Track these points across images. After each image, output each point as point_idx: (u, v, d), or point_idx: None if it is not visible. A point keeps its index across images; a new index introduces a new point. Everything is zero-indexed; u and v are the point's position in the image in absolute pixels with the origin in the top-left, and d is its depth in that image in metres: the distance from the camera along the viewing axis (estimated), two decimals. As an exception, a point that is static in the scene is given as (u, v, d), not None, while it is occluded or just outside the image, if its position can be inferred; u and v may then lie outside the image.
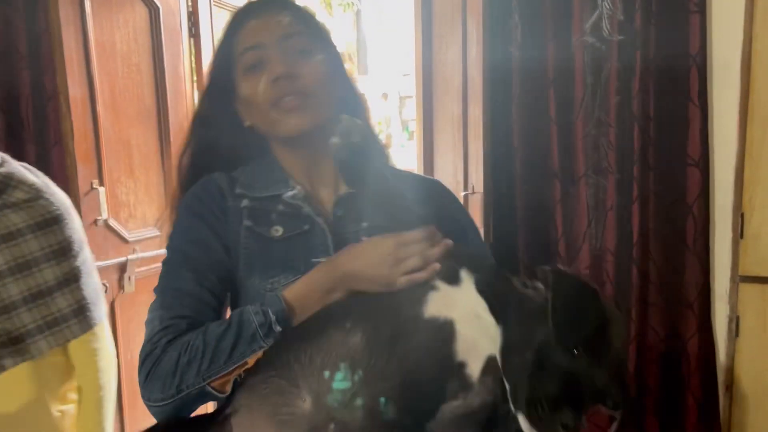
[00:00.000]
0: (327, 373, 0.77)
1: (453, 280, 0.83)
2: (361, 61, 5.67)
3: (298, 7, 1.03)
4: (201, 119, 1.07)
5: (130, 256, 2.31)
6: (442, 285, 0.83)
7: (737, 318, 2.09)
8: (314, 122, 0.97)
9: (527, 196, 2.15)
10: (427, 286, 0.83)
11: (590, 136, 2.07)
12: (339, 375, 0.77)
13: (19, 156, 2.10)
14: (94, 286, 1.37)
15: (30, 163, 2.13)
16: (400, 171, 1.12)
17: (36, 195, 1.26)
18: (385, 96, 5.58)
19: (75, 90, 2.06)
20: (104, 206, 2.20)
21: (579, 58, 2.06)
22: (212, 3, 2.72)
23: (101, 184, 2.19)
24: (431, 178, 1.17)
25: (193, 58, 2.69)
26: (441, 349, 0.77)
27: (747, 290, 2.09)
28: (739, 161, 2.02)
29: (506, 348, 0.75)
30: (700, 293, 2.03)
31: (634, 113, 1.98)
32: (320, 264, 0.90)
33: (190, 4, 2.59)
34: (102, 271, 2.18)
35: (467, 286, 0.82)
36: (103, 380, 1.37)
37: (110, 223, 2.23)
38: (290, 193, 0.99)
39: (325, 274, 0.88)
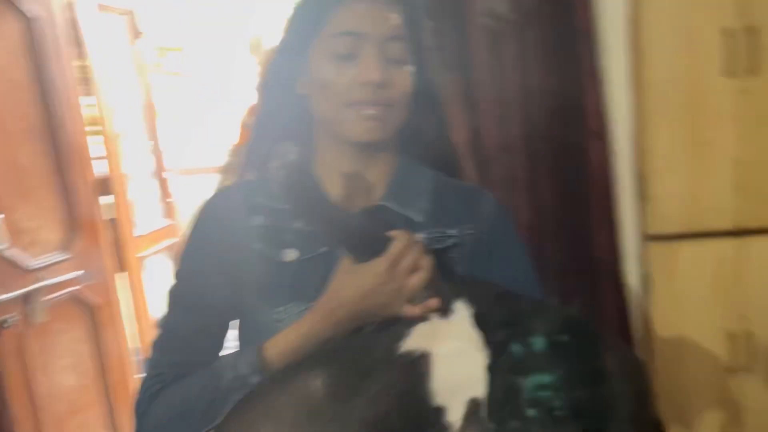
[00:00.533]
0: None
1: (444, 310, 0.77)
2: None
3: (413, 6, 0.92)
4: (265, 84, 0.99)
5: (35, 285, 2.17)
6: (431, 314, 0.78)
7: (647, 276, 2.21)
8: (386, 134, 0.92)
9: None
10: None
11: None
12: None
13: None
14: None
15: None
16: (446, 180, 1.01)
17: None
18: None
19: (-50, 114, 1.90)
20: (3, 235, 2.05)
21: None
22: (98, 7, 2.57)
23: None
24: (474, 187, 1.03)
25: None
26: (414, 390, 0.69)
27: (653, 248, 2.21)
28: (636, 127, 2.12)
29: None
30: (611, 258, 2.13)
31: (532, 88, 2.03)
32: (311, 312, 0.83)
33: (69, 12, 2.43)
34: (6, 305, 2.06)
35: (460, 319, 0.75)
36: None
37: (6, 255, 2.08)
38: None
39: (319, 324, 0.82)
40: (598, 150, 2.06)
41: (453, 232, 0.93)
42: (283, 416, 0.70)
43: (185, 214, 3.35)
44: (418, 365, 0.71)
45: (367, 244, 0.81)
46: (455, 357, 0.72)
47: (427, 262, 0.81)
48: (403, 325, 0.78)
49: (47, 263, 2.25)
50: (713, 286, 2.21)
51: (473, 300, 0.77)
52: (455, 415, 0.67)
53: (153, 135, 3.09)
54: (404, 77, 0.90)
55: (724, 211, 2.15)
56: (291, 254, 0.89)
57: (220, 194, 0.98)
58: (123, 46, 2.96)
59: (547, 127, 2.05)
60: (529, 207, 2.13)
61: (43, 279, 2.20)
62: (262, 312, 0.89)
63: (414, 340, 0.75)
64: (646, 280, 2.21)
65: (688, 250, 2.19)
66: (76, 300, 2.39)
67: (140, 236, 2.78)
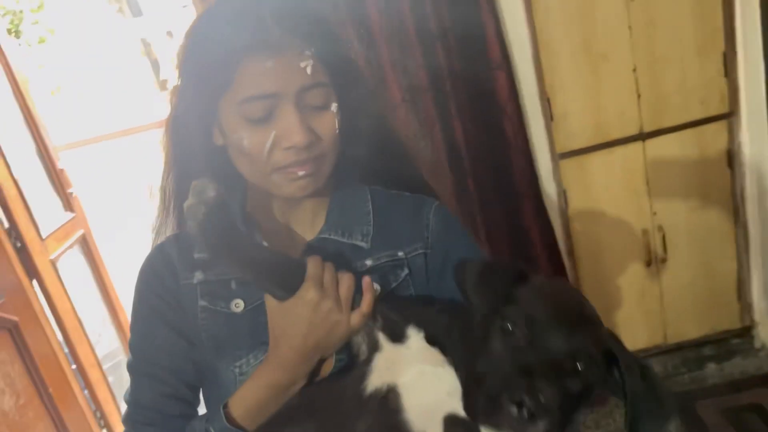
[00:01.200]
0: None
1: (398, 337, 0.77)
2: (132, 2, 5.10)
3: (324, 37, 0.80)
4: (176, 140, 0.88)
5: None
6: (386, 344, 0.77)
7: (564, 192, 2.30)
8: (319, 184, 0.84)
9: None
10: (371, 348, 0.77)
11: (398, 62, 2.06)
12: None
13: None
14: None
15: None
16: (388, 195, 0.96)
17: None
18: (170, 34, 5.14)
19: None
20: None
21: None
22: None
23: None
24: (415, 198, 0.95)
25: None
26: (393, 425, 0.70)
27: (566, 165, 2.28)
28: (534, 52, 2.13)
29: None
30: (529, 182, 2.19)
31: (433, 31, 1.99)
32: (263, 363, 0.80)
33: None
34: None
35: (415, 342, 0.76)
36: None
37: None
38: None
39: (276, 373, 0.78)
40: (503, 80, 2.07)
41: (401, 254, 0.89)
42: None
43: (83, 192, 3.15)
44: (388, 401, 0.72)
45: (289, 277, 0.78)
46: (420, 381, 0.73)
47: (347, 274, 0.80)
48: (362, 363, 0.77)
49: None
50: (625, 190, 2.33)
51: (422, 321, 0.78)
52: None
53: (33, 123, 2.83)
54: (329, 120, 0.81)
55: (627, 119, 2.24)
56: (238, 305, 0.85)
57: (155, 254, 0.91)
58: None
59: (452, 66, 2.03)
60: (446, 145, 2.13)
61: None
62: (223, 369, 0.85)
63: (377, 376, 0.74)
64: (563, 196, 2.30)
65: (597, 161, 2.29)
66: (-8, 322, 2.24)
67: (47, 238, 2.60)
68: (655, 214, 2.35)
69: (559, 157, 2.27)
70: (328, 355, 0.80)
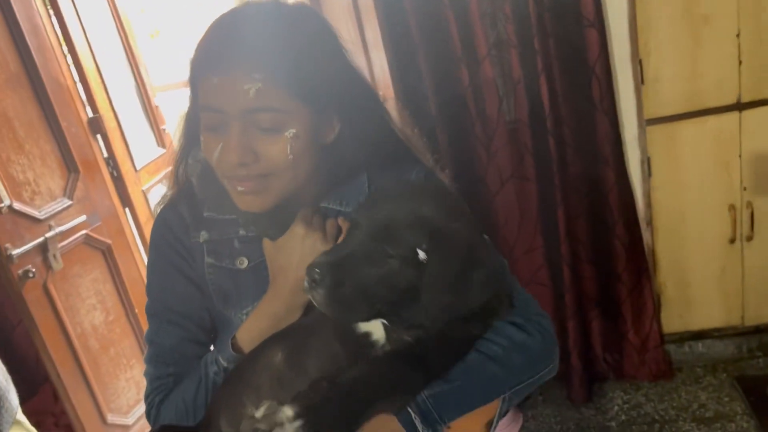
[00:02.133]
0: (259, 408, 0.78)
1: None
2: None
3: (278, 61, 0.80)
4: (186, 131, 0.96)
5: (47, 235, 2.20)
6: None
7: (648, 159, 2.23)
8: (275, 202, 0.87)
9: (437, 85, 2.13)
10: None
11: (487, 15, 2.04)
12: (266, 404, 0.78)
13: None
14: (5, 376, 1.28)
15: None
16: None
17: None
18: None
19: (-74, 75, 1.84)
20: (3, 192, 2.05)
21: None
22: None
23: (-9, 170, 2.03)
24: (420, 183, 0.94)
25: (48, 8, 2.41)
26: (345, 329, 0.81)
27: (653, 132, 2.21)
28: (630, 11, 2.04)
29: None
30: (612, 146, 2.13)
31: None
32: (265, 295, 0.89)
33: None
34: (24, 257, 2.10)
35: None
36: None
37: (15, 207, 2.09)
38: None
39: (275, 302, 0.88)
40: (594, 38, 2.00)
41: None
42: (255, 383, 0.82)
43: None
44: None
45: (281, 222, 0.88)
46: None
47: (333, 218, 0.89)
48: None
49: (54, 211, 2.26)
50: (714, 162, 2.23)
51: None
52: (378, 335, 0.80)
53: (134, 61, 2.99)
54: (277, 144, 0.82)
55: (725, 87, 2.13)
56: (242, 262, 0.93)
57: (168, 211, 0.98)
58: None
59: (542, 21, 1.98)
60: (529, 103, 2.11)
61: (53, 227, 2.23)
62: (232, 316, 0.94)
63: None
64: (647, 164, 2.23)
65: (688, 129, 2.19)
66: (89, 243, 2.43)
67: (140, 170, 2.77)
68: (745, 189, 2.25)
69: (646, 123, 2.19)
70: None
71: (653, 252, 2.32)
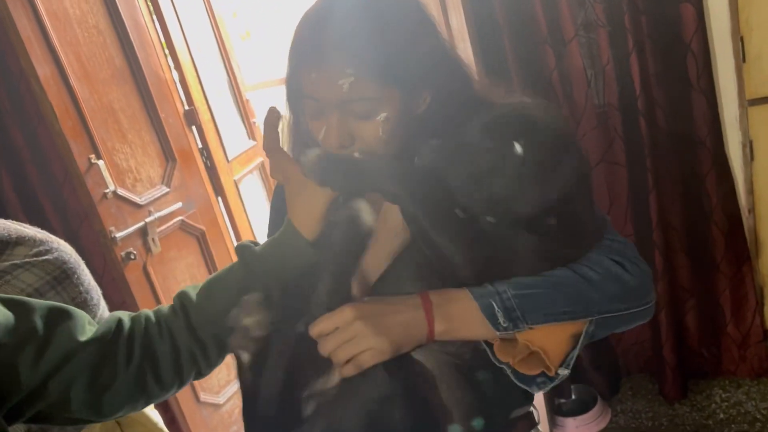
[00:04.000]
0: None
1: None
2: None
3: (368, 52, 0.83)
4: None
5: (147, 219, 2.33)
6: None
7: (750, 142, 2.10)
8: None
9: (521, 69, 2.10)
10: None
11: (574, -7, 1.99)
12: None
13: (7, 142, 2.11)
14: None
15: (19, 147, 2.15)
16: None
17: (43, 249, 1.16)
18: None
19: (42, 68, 2.00)
20: (108, 178, 2.19)
21: None
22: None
23: (99, 157, 2.18)
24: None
25: (150, 7, 2.56)
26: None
27: (756, 113, 2.08)
28: (731, -17, 1.94)
29: None
30: (710, 128, 2.03)
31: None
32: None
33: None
34: (126, 240, 2.24)
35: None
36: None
37: (119, 193, 2.24)
38: None
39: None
40: (690, 14, 1.91)
41: None
42: None
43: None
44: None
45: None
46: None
47: None
48: None
49: (153, 198, 2.40)
50: (824, 145, 2.08)
51: None
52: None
53: (227, 59, 3.12)
54: (373, 129, 0.86)
55: (836, 63, 1.98)
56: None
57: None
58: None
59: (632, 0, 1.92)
60: (619, 84, 2.04)
61: (152, 213, 2.36)
62: None
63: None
64: (749, 147, 2.10)
65: (795, 109, 2.05)
66: (184, 228, 2.55)
67: (232, 160, 2.89)
68: None
69: (748, 103, 2.06)
70: None
71: (755, 241, 2.18)
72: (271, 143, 0.92)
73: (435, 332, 0.79)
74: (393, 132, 0.87)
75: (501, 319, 0.78)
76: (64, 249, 1.20)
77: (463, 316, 0.79)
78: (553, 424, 2.20)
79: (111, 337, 0.82)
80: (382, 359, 0.78)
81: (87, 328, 0.81)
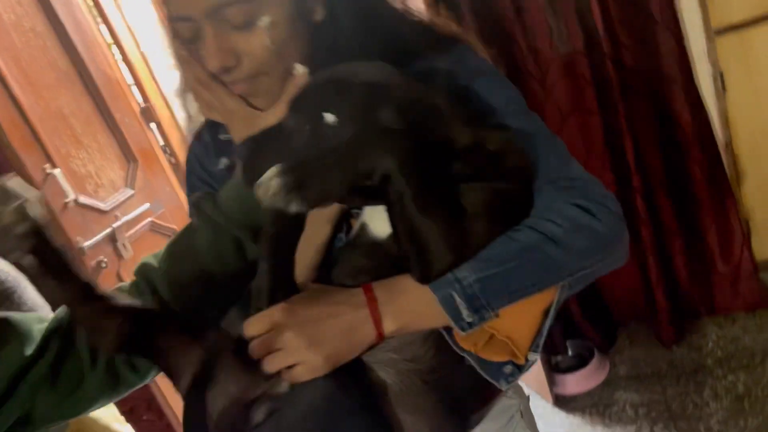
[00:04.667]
0: None
1: None
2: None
3: None
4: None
5: (114, 225, 2.25)
6: None
7: (721, 74, 2.05)
8: (267, 103, 0.79)
9: (480, 29, 2.02)
10: None
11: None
12: None
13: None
14: None
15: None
16: None
17: None
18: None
19: (-20, 80, 1.90)
20: (67, 187, 2.10)
21: None
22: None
23: (54, 166, 2.08)
24: None
25: (89, 3, 2.44)
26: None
27: (724, 43, 2.03)
28: None
29: None
30: (679, 63, 1.97)
31: None
32: None
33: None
34: (95, 248, 2.15)
35: None
36: None
37: (81, 201, 2.14)
38: None
39: None
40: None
41: None
42: None
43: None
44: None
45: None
46: None
47: None
48: None
49: (118, 202, 2.31)
50: (797, 68, 2.03)
51: None
52: None
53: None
54: (256, 38, 0.74)
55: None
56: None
57: (194, 142, 0.94)
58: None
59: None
60: (582, 30, 1.98)
61: (119, 217, 2.28)
62: None
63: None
64: (720, 79, 2.05)
65: (763, 35, 2.00)
66: (155, 230, 2.47)
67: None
68: (835, 93, 2.04)
69: (715, 33, 2.01)
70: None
71: (736, 174, 2.14)
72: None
73: (384, 333, 0.68)
74: (286, 42, 0.75)
75: (465, 313, 0.67)
76: (1, 268, 1.13)
77: (416, 309, 0.68)
78: (552, 383, 2.17)
79: (66, 336, 0.75)
80: (317, 375, 0.66)
81: (35, 334, 0.75)
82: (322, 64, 0.75)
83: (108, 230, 2.22)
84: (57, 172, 2.07)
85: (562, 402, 2.17)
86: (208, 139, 0.91)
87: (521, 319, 0.71)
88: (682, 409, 1.97)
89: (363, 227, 0.74)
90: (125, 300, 0.73)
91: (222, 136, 0.88)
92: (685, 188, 2.11)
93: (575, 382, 2.18)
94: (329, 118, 0.66)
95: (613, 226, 0.74)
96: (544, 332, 0.72)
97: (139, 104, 2.58)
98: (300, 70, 0.76)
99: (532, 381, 2.18)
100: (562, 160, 0.78)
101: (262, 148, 0.70)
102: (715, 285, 2.21)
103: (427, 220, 0.63)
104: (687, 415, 1.94)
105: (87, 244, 2.11)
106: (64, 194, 2.08)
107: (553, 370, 2.23)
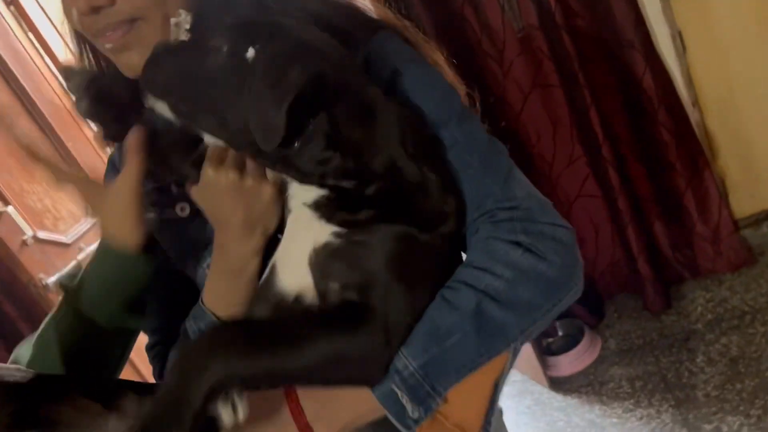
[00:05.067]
0: None
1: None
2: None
3: None
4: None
5: (79, 257, 2.17)
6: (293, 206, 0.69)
7: (680, 33, 2.01)
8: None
9: (429, 10, 1.96)
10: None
11: None
12: None
13: None
14: None
15: None
16: None
17: None
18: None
19: None
20: (23, 224, 2.02)
21: None
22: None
23: (7, 203, 2.00)
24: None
25: (27, 32, 2.35)
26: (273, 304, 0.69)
27: (678, 1, 1.98)
28: None
29: None
30: (635, 26, 1.92)
31: None
32: (213, 252, 0.73)
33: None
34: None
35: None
36: None
37: (41, 236, 2.07)
38: None
39: (222, 257, 0.71)
40: None
41: None
42: None
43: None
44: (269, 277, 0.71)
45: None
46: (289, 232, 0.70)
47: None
48: None
49: (80, 233, 2.23)
50: (757, 20, 1.98)
51: None
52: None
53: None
54: None
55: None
56: (184, 209, 0.77)
57: (107, 169, 0.86)
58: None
59: None
60: (535, 4, 1.93)
61: (83, 249, 2.20)
62: (194, 273, 0.79)
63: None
64: (679, 38, 2.01)
65: (720, -10, 1.96)
66: (124, 256, 2.40)
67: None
68: (796, 43, 2.00)
69: (670, -8, 1.97)
70: (271, 229, 0.70)
71: (705, 133, 2.10)
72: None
73: None
74: None
75: (409, 408, 0.59)
76: None
77: (352, 411, 0.61)
78: (545, 365, 2.12)
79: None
80: None
81: None
82: (209, 16, 0.67)
83: (73, 263, 2.14)
84: (10, 210, 1.99)
85: (557, 384, 2.12)
86: (117, 159, 0.84)
87: (470, 397, 0.64)
88: (677, 377, 1.93)
89: (272, 271, 0.67)
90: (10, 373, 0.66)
91: None
92: (657, 154, 2.06)
93: (568, 363, 2.13)
94: (250, 53, 0.58)
95: (564, 264, 0.63)
96: (496, 405, 0.65)
97: (92, 129, 2.50)
98: (183, 16, 0.66)
99: (525, 366, 2.13)
100: (501, 179, 0.67)
101: (168, 59, 0.63)
102: (696, 247, 2.17)
103: None
104: (683, 384, 1.90)
105: (51, 280, 2.04)
106: (21, 231, 2.00)
107: (544, 353, 2.18)
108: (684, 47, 2.01)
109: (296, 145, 0.60)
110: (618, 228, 2.14)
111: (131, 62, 0.69)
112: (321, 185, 0.63)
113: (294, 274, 0.64)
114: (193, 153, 0.69)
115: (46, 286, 2.02)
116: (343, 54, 0.64)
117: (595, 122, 1.99)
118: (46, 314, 2.04)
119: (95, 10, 0.65)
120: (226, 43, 0.59)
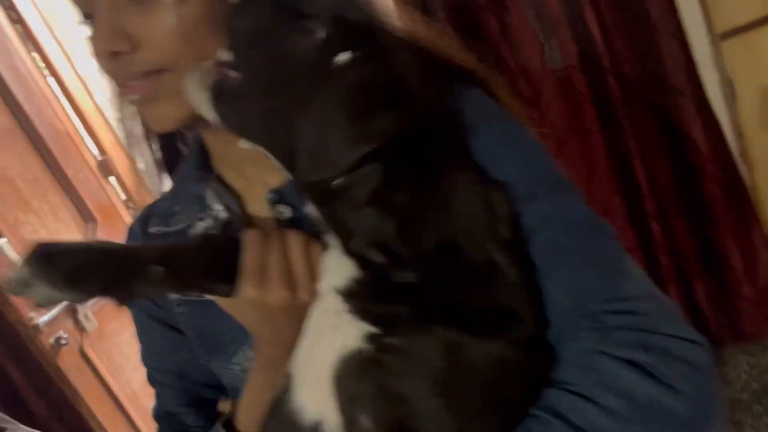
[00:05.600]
0: None
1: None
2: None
3: None
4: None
5: (73, 295, 2.01)
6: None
7: (730, 80, 1.88)
8: (175, 112, 0.58)
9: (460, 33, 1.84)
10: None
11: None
12: None
13: None
14: None
15: None
16: None
17: None
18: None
19: None
20: (16, 257, 1.87)
21: None
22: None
23: (0, 236, 1.85)
24: None
25: (32, 52, 2.22)
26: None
27: (730, 47, 1.86)
28: None
29: None
30: (686, 72, 1.80)
31: None
32: (254, 362, 0.61)
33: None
34: (53, 323, 1.92)
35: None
36: None
37: (33, 272, 1.91)
38: (203, 224, 0.65)
39: (265, 373, 0.59)
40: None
41: None
42: None
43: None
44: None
45: (225, 260, 0.57)
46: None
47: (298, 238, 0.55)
48: None
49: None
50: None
51: None
52: None
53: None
54: (159, 18, 0.54)
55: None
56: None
57: (128, 237, 0.76)
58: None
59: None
60: (577, 44, 1.80)
61: (79, 286, 2.04)
62: (221, 370, 0.68)
63: None
64: (729, 86, 1.88)
65: (771, 35, 1.84)
66: (122, 294, 2.24)
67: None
68: None
69: (720, 37, 1.84)
70: None
71: (754, 188, 1.96)
72: None
73: None
74: (199, 26, 0.55)
75: None
76: None
77: None
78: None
79: None
80: None
81: None
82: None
83: (66, 302, 1.98)
84: (3, 242, 1.84)
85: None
86: (139, 232, 0.72)
87: None
88: (723, 455, 1.76)
89: (289, 380, 0.55)
90: None
91: (153, 230, 0.69)
92: (703, 209, 1.92)
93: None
94: (342, 57, 0.47)
95: (699, 396, 0.47)
96: None
97: (94, 157, 2.36)
98: (224, 57, 0.55)
99: None
100: (608, 272, 0.52)
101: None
102: (741, 311, 2.02)
103: None
104: (731, 462, 1.73)
105: (43, 320, 1.88)
106: (13, 266, 1.85)
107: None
108: (734, 96, 1.89)
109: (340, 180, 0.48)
110: (657, 285, 1.98)
111: (161, 114, 0.59)
112: (361, 260, 0.50)
113: (314, 391, 0.51)
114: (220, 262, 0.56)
115: (36, 327, 1.86)
116: (432, 103, 0.51)
117: (639, 171, 1.85)
118: (35, 356, 1.88)
119: (114, 55, 0.55)
120: (324, 31, 0.48)
